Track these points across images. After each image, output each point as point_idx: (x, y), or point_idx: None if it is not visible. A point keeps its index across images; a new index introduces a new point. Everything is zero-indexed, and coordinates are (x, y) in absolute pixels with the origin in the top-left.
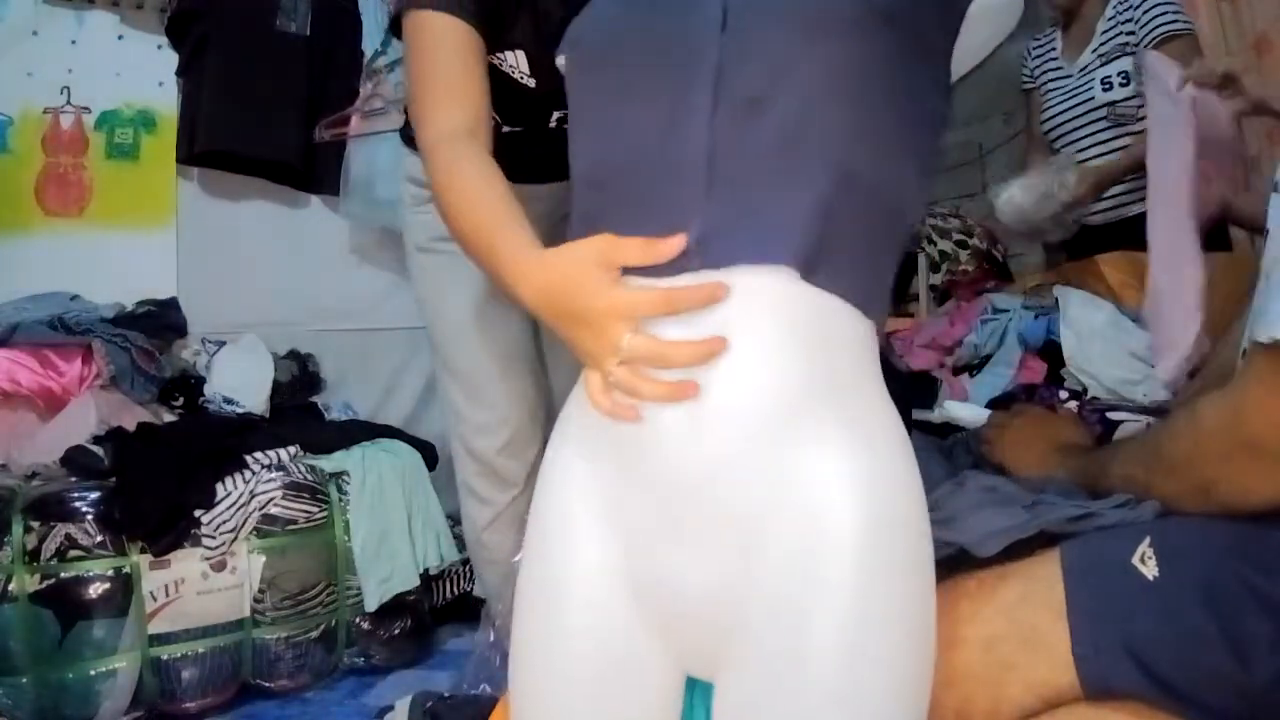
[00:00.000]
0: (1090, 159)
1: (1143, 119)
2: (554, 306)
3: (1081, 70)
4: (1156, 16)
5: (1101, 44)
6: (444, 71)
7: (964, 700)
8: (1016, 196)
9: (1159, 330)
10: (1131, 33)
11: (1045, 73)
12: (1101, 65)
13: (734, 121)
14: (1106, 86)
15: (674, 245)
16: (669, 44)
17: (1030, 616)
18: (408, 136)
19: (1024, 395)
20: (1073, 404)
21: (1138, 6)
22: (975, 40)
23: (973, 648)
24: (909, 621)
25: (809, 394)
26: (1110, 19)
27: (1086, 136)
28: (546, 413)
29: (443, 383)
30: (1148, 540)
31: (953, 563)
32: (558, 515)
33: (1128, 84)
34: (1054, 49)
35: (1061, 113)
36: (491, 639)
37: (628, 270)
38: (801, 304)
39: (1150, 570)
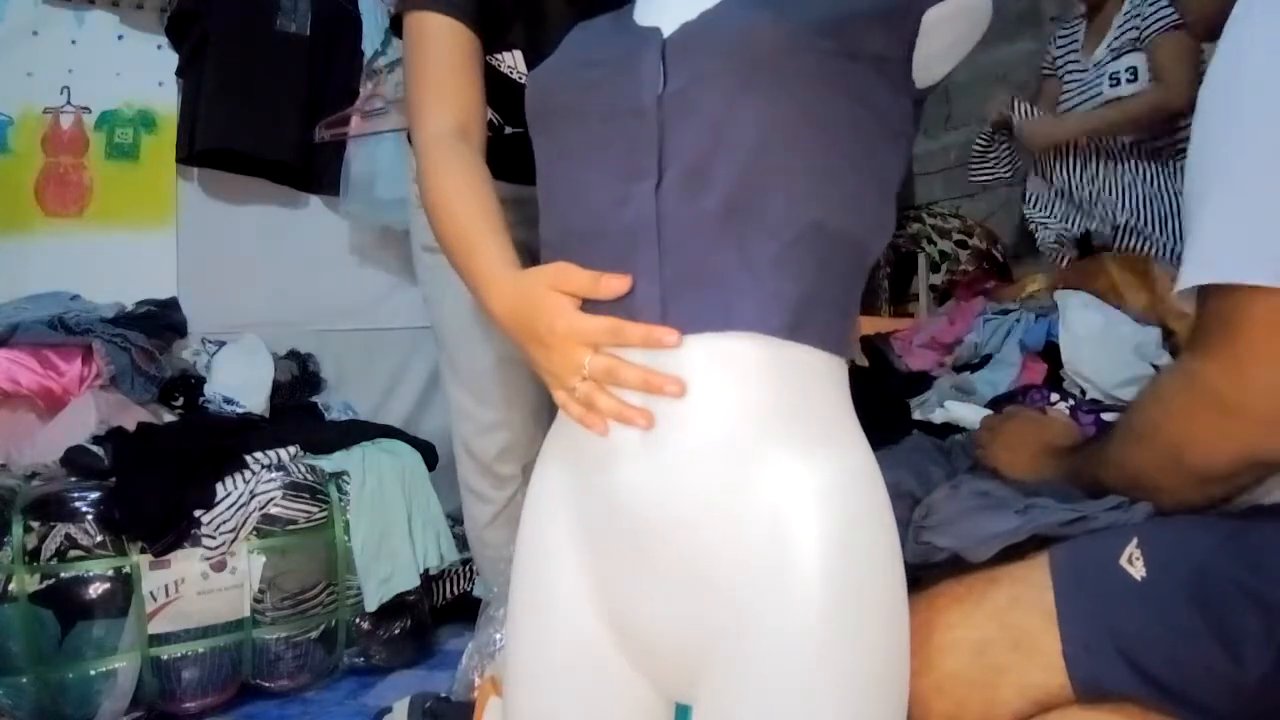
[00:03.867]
0: (1099, 152)
1: None
2: (519, 326)
3: (1096, 65)
4: (1157, 11)
5: (1115, 39)
6: (438, 72)
7: (956, 705)
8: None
9: None
10: (1137, 28)
11: (1066, 63)
12: (1112, 60)
13: (680, 189)
14: (1114, 82)
15: (621, 283)
16: (614, 108)
17: (1021, 620)
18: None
19: (1020, 397)
20: (1063, 405)
21: (1147, 2)
22: (939, 45)
23: (963, 653)
24: (878, 671)
25: (774, 441)
26: (1126, 14)
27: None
28: (549, 413)
29: (446, 382)
30: (1135, 541)
31: (945, 567)
32: (540, 532)
33: (1135, 79)
34: (1077, 41)
35: (1074, 107)
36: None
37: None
38: (771, 363)
39: (1138, 570)
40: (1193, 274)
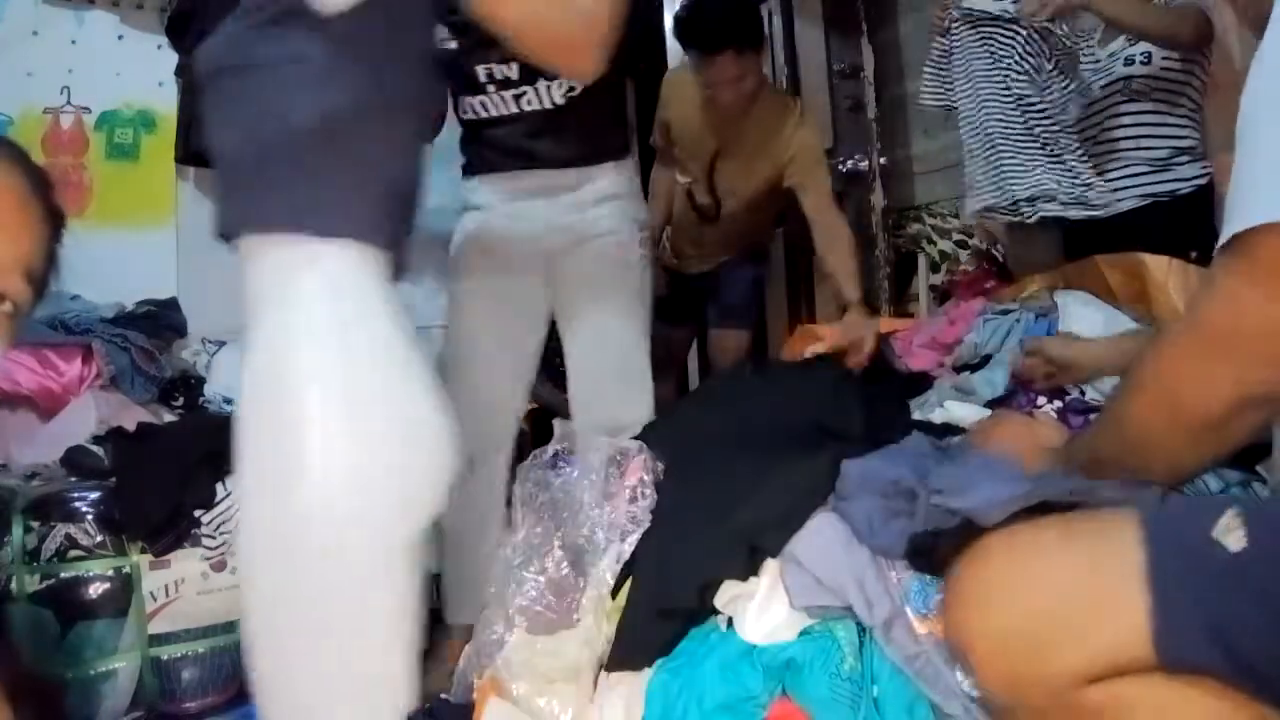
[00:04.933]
0: (1106, 130)
1: (1155, 97)
2: None
3: (1110, 55)
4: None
5: None
6: None
7: (1014, 665)
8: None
9: None
10: None
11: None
12: (1129, 46)
13: None
14: (1128, 63)
15: None
16: None
17: (1102, 583)
18: (462, 167)
19: (1007, 400)
20: (1050, 408)
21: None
22: None
23: (1026, 613)
24: None
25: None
26: None
27: (1103, 110)
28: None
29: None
30: (1233, 511)
31: (956, 535)
32: None
33: (1149, 63)
34: (1092, 38)
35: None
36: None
37: None
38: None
39: (1235, 542)
40: (1224, 230)
